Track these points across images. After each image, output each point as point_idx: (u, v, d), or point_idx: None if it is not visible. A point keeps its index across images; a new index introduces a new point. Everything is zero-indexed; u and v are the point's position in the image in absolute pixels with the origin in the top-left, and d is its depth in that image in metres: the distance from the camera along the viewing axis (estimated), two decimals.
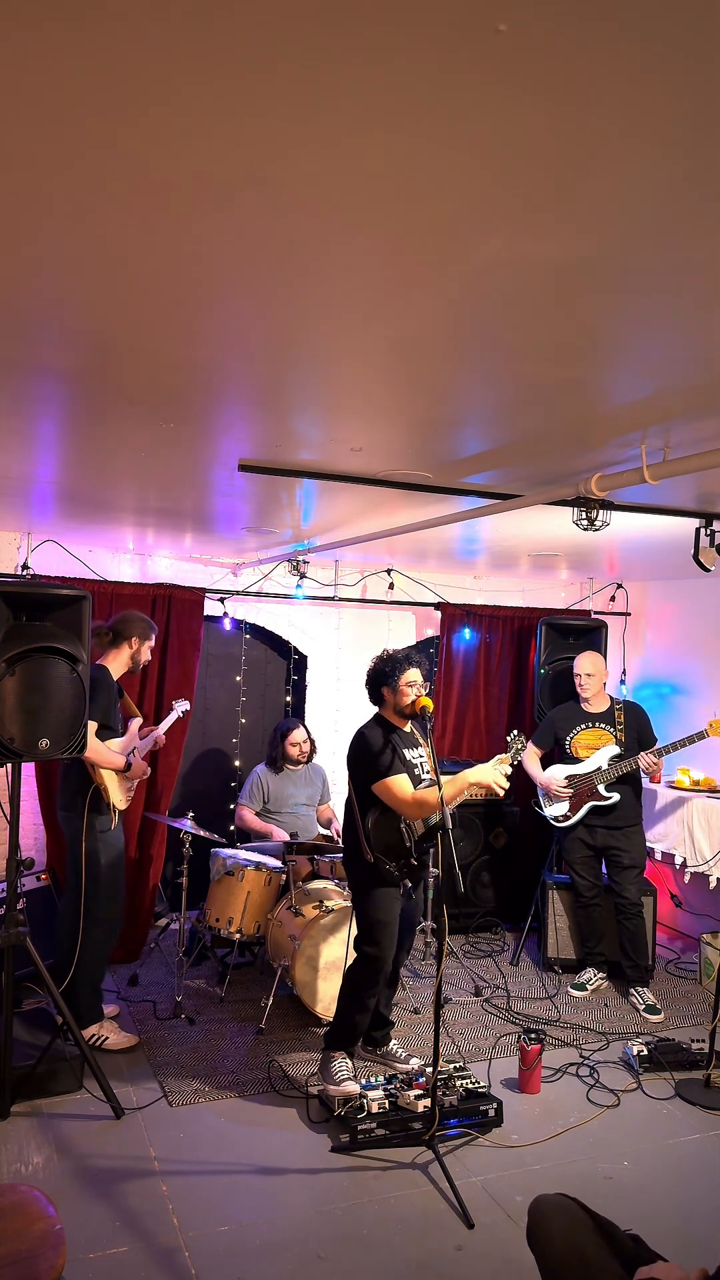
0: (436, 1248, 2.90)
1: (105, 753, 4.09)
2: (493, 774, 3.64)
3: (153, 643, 4.48)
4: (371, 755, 3.67)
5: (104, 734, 4.13)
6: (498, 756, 3.89)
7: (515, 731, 4.05)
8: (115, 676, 4.30)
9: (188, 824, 4.61)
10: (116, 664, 4.32)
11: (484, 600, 6.49)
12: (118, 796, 4.19)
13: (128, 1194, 3.11)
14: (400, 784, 3.60)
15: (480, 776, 3.62)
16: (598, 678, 5.17)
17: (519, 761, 3.99)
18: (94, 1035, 4.09)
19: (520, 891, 5.97)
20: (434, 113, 1.08)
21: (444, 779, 3.58)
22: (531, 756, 5.30)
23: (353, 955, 3.84)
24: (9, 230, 1.44)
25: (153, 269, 1.57)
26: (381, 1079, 3.67)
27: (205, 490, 3.65)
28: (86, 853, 4.06)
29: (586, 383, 2.12)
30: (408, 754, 3.77)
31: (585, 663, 5.19)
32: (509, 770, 3.86)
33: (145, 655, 4.43)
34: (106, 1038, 4.09)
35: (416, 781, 3.71)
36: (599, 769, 5.04)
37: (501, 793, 3.76)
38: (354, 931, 3.81)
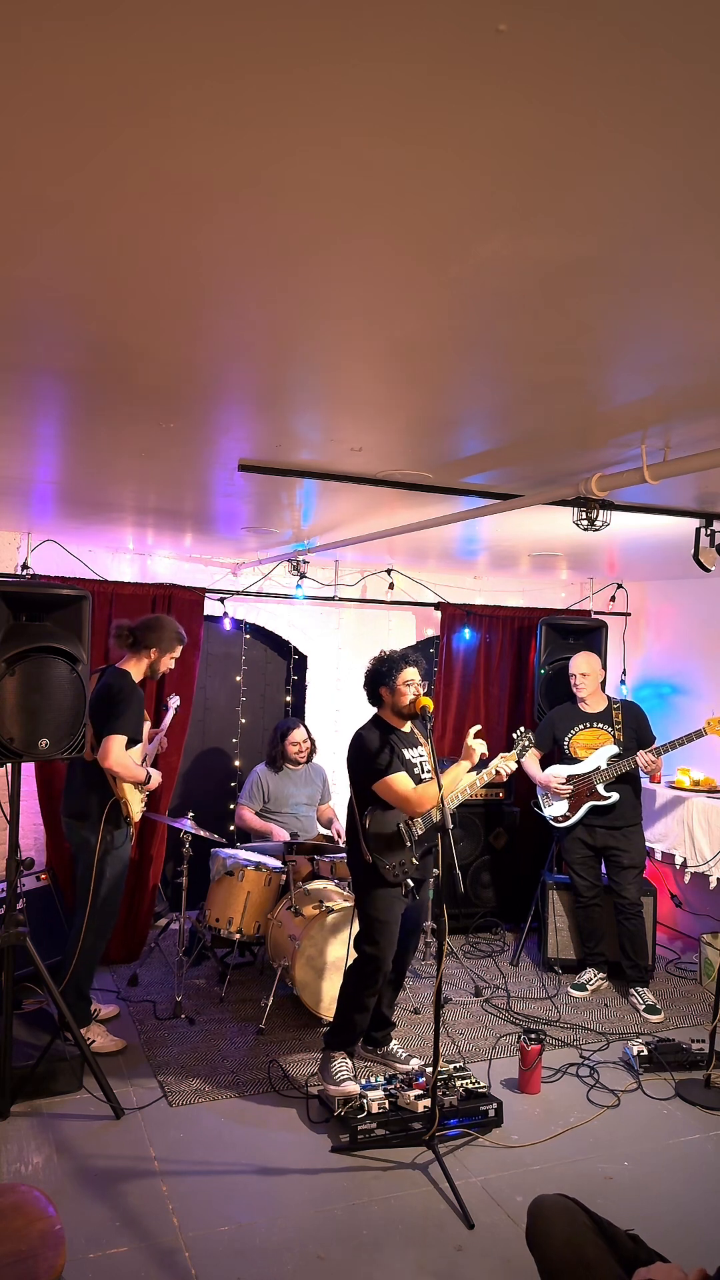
0: (436, 1248, 2.90)
1: (132, 767, 4.00)
2: (482, 774, 3.67)
3: (177, 654, 4.29)
4: (370, 756, 3.68)
5: (129, 744, 4.02)
6: (501, 755, 3.92)
7: (522, 729, 4.08)
8: (135, 681, 4.17)
9: (188, 824, 4.61)
10: (136, 670, 4.19)
11: (484, 600, 6.49)
12: (136, 808, 4.14)
13: (128, 1194, 3.11)
14: (400, 781, 3.61)
15: (474, 778, 3.63)
16: (593, 677, 5.17)
17: (519, 762, 4.01)
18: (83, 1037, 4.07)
19: (520, 891, 5.97)
20: (434, 113, 1.08)
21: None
22: (531, 757, 5.29)
23: (353, 955, 3.84)
24: (12, 232, 1.44)
25: (154, 270, 1.57)
26: (381, 1079, 3.67)
27: (205, 490, 3.65)
28: (98, 865, 4.01)
29: (586, 383, 2.13)
30: (407, 754, 3.77)
31: (580, 663, 5.19)
32: (513, 767, 3.90)
33: (166, 666, 4.28)
34: (94, 1040, 4.07)
35: (416, 781, 3.72)
36: (597, 769, 5.04)
37: (505, 776, 3.85)
38: (355, 930, 3.81)
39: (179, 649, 4.32)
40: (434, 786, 3.54)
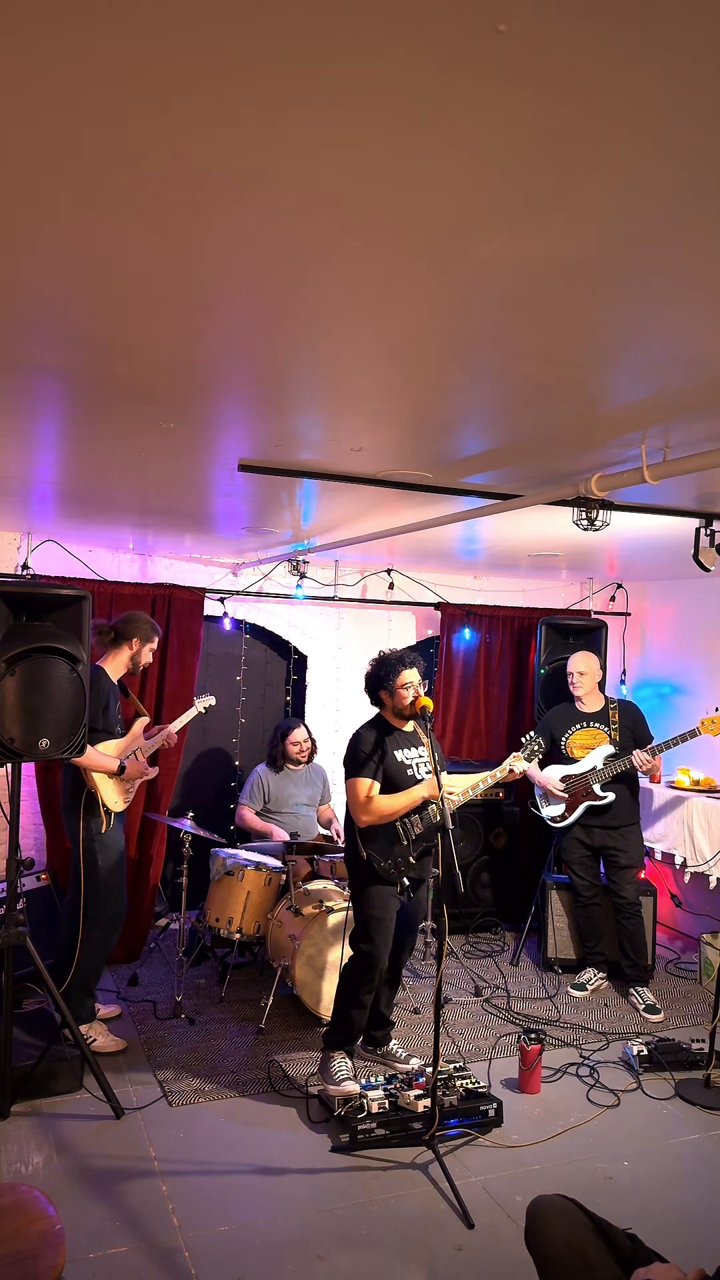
0: (436, 1248, 2.90)
1: (96, 757, 4.07)
2: (428, 789, 3.66)
3: (155, 645, 4.44)
4: (356, 753, 3.73)
5: (98, 737, 4.11)
6: (514, 754, 3.97)
7: (531, 733, 4.16)
8: (115, 677, 4.28)
9: (188, 824, 4.61)
10: (115, 664, 4.30)
11: (484, 600, 6.49)
12: (112, 799, 4.17)
13: (128, 1194, 3.11)
14: (361, 787, 3.65)
15: (426, 791, 3.66)
16: (590, 676, 5.18)
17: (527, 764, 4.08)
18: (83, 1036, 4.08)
19: (520, 891, 5.97)
20: (434, 113, 1.08)
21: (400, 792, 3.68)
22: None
23: (349, 953, 3.84)
24: (11, 232, 1.44)
25: (154, 270, 1.57)
26: (381, 1079, 3.67)
27: (205, 490, 3.65)
28: (84, 854, 4.08)
29: (587, 383, 2.13)
30: (406, 754, 3.78)
31: (578, 662, 5.20)
32: (527, 765, 3.98)
33: (146, 657, 4.40)
34: (95, 1039, 4.08)
35: (413, 782, 3.73)
36: (594, 769, 5.04)
37: (520, 773, 3.96)
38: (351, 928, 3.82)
39: (156, 639, 4.45)
40: (392, 802, 3.62)
